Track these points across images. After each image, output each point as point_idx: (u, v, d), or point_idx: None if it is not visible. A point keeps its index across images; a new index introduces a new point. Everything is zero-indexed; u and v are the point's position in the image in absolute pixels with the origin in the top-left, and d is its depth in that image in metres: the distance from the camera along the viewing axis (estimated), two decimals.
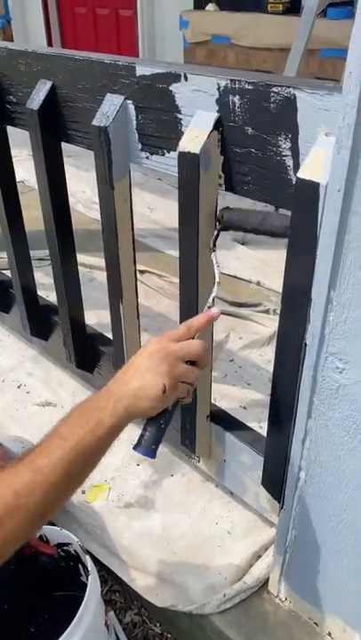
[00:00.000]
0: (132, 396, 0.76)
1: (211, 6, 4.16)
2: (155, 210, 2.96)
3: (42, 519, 0.72)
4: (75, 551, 1.15)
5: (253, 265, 2.42)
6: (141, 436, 0.82)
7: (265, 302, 2.11)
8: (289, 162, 0.78)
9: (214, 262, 0.93)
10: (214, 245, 0.93)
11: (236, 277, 2.33)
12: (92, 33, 5.55)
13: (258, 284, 2.29)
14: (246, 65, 3.97)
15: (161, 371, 0.77)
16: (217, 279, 0.91)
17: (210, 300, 0.90)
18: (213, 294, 0.90)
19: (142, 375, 0.77)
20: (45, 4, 5.71)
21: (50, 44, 5.87)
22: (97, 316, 1.93)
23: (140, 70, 0.92)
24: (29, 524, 0.69)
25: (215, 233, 0.92)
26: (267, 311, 2.07)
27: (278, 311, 2.19)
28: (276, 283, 2.21)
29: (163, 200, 3.03)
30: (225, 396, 1.66)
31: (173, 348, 0.80)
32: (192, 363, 0.82)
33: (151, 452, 0.81)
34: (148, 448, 0.81)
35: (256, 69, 3.90)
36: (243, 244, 2.60)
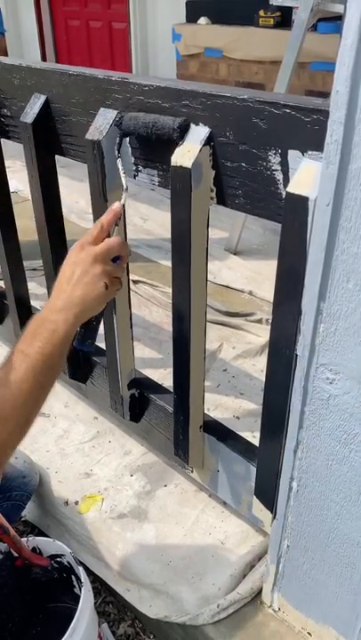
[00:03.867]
0: (79, 304, 0.81)
1: (203, 20, 4.21)
2: (148, 220, 2.98)
3: (26, 425, 0.78)
4: (68, 562, 1.15)
5: (246, 275, 2.44)
6: (80, 334, 0.90)
7: (258, 312, 2.13)
8: (279, 176, 0.79)
9: (120, 169, 0.95)
10: (118, 152, 0.96)
11: (228, 287, 2.34)
12: (86, 45, 5.59)
13: (250, 293, 2.30)
14: (238, 77, 4.02)
15: (97, 272, 0.83)
16: (124, 186, 0.94)
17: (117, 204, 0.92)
18: (123, 201, 0.93)
19: (80, 282, 0.82)
20: (39, 16, 5.76)
21: (44, 56, 5.90)
22: None
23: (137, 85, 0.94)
24: (17, 432, 0.76)
25: (118, 140, 0.96)
26: (259, 321, 2.08)
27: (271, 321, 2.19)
28: (269, 292, 2.22)
29: (156, 210, 3.06)
30: (218, 405, 1.67)
31: (97, 250, 0.84)
32: (116, 258, 0.87)
33: (88, 346, 0.91)
34: (84, 343, 0.91)
35: (248, 82, 3.95)
36: (235, 254, 2.62)
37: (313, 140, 0.72)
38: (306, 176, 0.73)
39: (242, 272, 2.46)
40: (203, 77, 4.18)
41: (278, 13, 3.74)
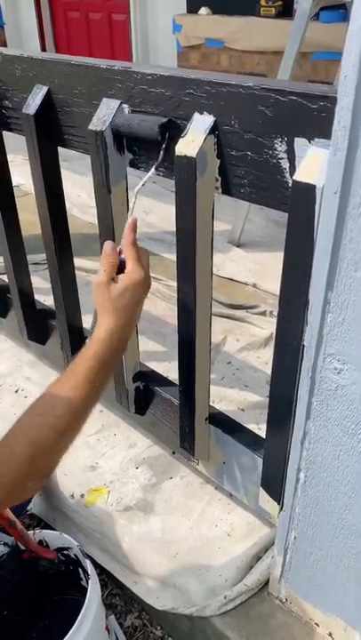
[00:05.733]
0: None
1: (204, 10, 4.17)
2: (150, 213, 2.96)
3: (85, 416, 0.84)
4: (75, 555, 1.15)
5: (249, 267, 2.43)
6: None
7: (261, 304, 2.12)
8: (285, 164, 0.78)
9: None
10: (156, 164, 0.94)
11: (231, 280, 2.33)
12: (86, 37, 5.56)
13: (254, 286, 2.29)
14: (240, 68, 3.99)
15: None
16: (132, 201, 0.94)
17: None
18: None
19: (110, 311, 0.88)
20: (39, 8, 5.72)
21: (43, 48, 5.87)
22: None
23: (138, 74, 0.93)
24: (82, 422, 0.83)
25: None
26: (263, 313, 2.07)
27: (275, 313, 2.19)
28: (272, 284, 2.22)
29: (158, 203, 3.04)
30: (223, 398, 1.66)
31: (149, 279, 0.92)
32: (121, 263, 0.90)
33: None
34: None
35: (249, 72, 3.92)
36: (238, 246, 2.61)
37: (320, 128, 0.71)
38: (313, 164, 0.72)
39: (245, 264, 2.45)
40: (204, 68, 4.15)
41: (280, 3, 3.71)
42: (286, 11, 3.71)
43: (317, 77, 3.44)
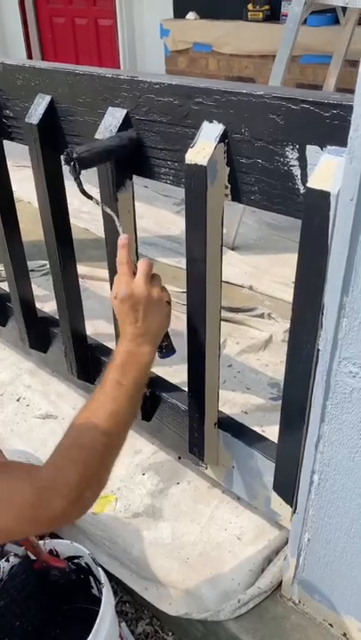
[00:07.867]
0: (158, 334, 0.95)
1: (191, 15, 4.19)
2: (142, 218, 2.96)
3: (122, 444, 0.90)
4: (86, 564, 1.14)
5: (245, 270, 2.44)
6: (162, 348, 1.01)
7: (259, 307, 2.13)
8: (296, 172, 0.79)
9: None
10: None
11: (228, 283, 2.34)
12: (72, 43, 5.54)
13: (250, 288, 2.30)
14: (228, 72, 4.01)
15: (156, 300, 0.92)
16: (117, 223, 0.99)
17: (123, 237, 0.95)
18: (119, 228, 0.99)
19: (151, 316, 0.92)
20: (24, 14, 5.70)
21: (29, 55, 5.85)
22: (93, 326, 1.93)
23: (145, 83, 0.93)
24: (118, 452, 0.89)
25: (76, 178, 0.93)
26: (261, 315, 2.08)
27: (273, 315, 2.17)
28: (269, 287, 2.23)
29: (150, 207, 3.04)
30: (226, 401, 1.67)
31: (141, 282, 0.91)
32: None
33: (172, 352, 1.02)
34: (169, 352, 1.02)
35: (238, 76, 3.94)
36: (232, 249, 2.62)
37: (332, 135, 0.72)
38: (326, 171, 0.73)
39: (241, 267, 2.46)
40: (192, 73, 4.16)
41: (267, 7, 3.73)
42: (274, 15, 3.74)
43: (305, 81, 3.46)
